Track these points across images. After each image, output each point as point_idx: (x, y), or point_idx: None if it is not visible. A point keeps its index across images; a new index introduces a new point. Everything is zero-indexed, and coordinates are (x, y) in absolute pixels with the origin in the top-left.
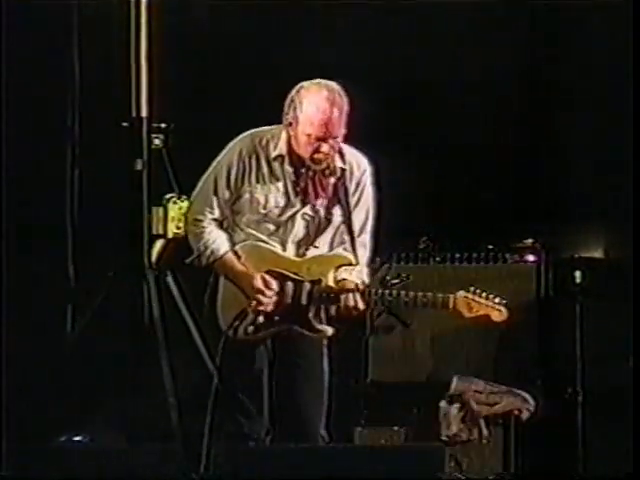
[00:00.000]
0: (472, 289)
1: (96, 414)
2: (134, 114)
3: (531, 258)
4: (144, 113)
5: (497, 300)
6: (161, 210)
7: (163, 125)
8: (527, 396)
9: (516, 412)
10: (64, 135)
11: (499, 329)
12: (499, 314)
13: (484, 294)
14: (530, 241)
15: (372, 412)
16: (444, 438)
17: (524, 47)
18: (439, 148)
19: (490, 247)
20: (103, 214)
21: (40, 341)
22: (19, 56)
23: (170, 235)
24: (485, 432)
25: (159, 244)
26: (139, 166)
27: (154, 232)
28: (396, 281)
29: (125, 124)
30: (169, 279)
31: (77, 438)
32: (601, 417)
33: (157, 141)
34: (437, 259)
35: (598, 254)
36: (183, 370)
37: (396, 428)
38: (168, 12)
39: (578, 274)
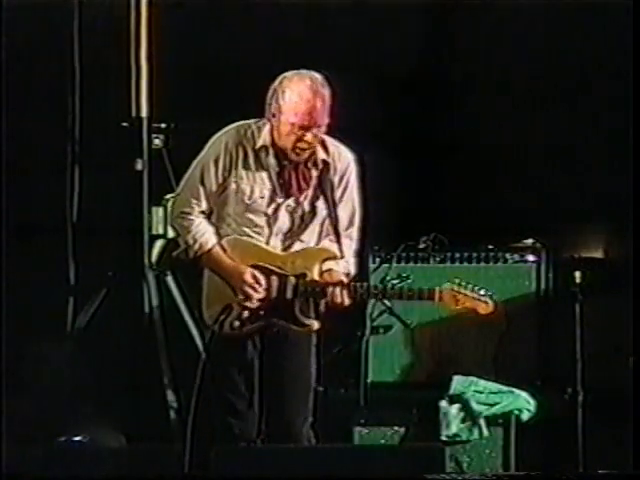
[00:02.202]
0: (457, 281)
1: (96, 414)
2: (134, 114)
3: (531, 258)
4: (144, 113)
5: (482, 292)
6: (161, 210)
7: (163, 125)
8: (527, 396)
9: (516, 412)
10: (64, 135)
11: (499, 329)
12: (485, 307)
13: (470, 286)
14: (530, 241)
15: (372, 412)
16: (444, 438)
17: (527, 44)
18: (439, 148)
19: (490, 247)
20: (103, 214)
21: (40, 341)
22: (19, 56)
23: (170, 235)
24: (485, 432)
25: (159, 244)
26: (139, 166)
27: (154, 232)
28: (396, 281)
29: (125, 124)
30: (169, 279)
31: (77, 438)
32: (601, 417)
33: (157, 141)
34: (437, 259)
35: (598, 254)
36: (183, 370)
37: (396, 428)
38: (168, 12)
39: (578, 274)
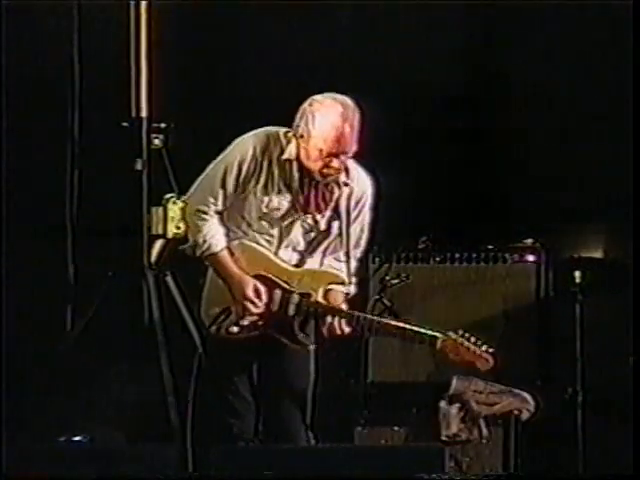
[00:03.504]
0: (461, 332)
1: (95, 414)
2: (134, 114)
3: (531, 258)
4: (144, 113)
5: (484, 348)
6: (161, 210)
7: (163, 125)
8: (527, 396)
9: (516, 412)
10: (64, 135)
11: (499, 330)
12: (485, 363)
13: (472, 339)
14: (530, 241)
15: (372, 412)
16: (444, 438)
17: (528, 47)
18: (439, 148)
19: (490, 247)
20: (103, 214)
21: (40, 341)
22: (19, 56)
23: (170, 235)
24: (485, 432)
25: (159, 244)
26: (139, 166)
27: (154, 232)
28: (396, 281)
29: (125, 124)
30: (169, 279)
31: (77, 438)
32: (601, 417)
33: (157, 141)
34: (437, 259)
35: (598, 254)
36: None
37: (396, 428)
38: (168, 12)
39: (578, 274)
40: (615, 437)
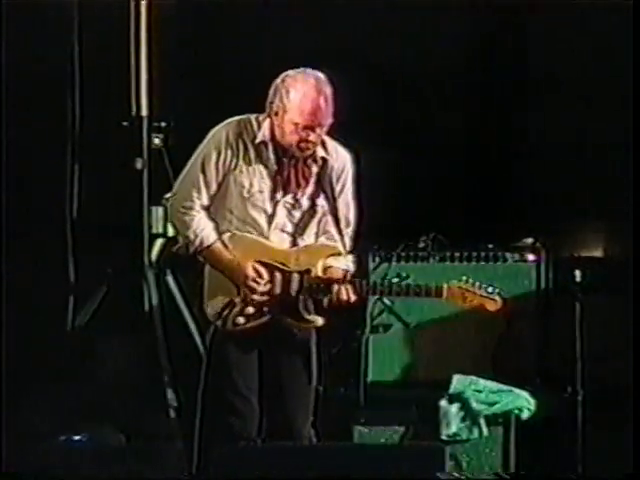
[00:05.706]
0: (464, 278)
1: (95, 413)
2: (134, 113)
3: (531, 257)
4: (144, 112)
5: (490, 290)
6: (161, 210)
7: (163, 124)
8: (527, 396)
9: (516, 411)
10: (64, 135)
11: (499, 329)
12: (494, 304)
13: (477, 284)
14: (530, 240)
15: (372, 412)
16: (444, 438)
17: (522, 46)
18: (439, 147)
19: (490, 247)
20: (103, 213)
21: (40, 341)
22: (19, 55)
23: (170, 234)
24: (485, 431)
25: (159, 243)
26: (139, 165)
27: (154, 231)
28: (395, 280)
29: (125, 123)
30: (169, 278)
31: (77, 438)
32: (601, 417)
33: (157, 140)
34: (437, 259)
35: (598, 253)
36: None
37: (396, 428)
38: (168, 12)
39: (578, 273)
40: (615, 437)
